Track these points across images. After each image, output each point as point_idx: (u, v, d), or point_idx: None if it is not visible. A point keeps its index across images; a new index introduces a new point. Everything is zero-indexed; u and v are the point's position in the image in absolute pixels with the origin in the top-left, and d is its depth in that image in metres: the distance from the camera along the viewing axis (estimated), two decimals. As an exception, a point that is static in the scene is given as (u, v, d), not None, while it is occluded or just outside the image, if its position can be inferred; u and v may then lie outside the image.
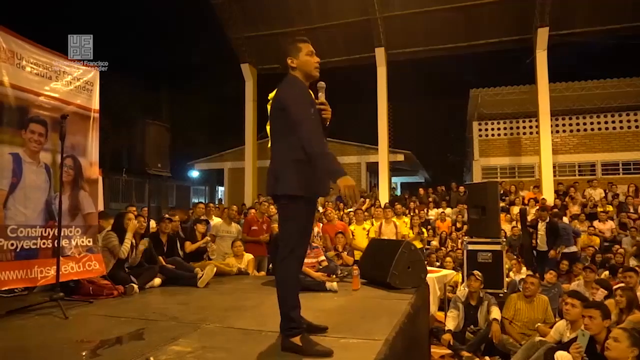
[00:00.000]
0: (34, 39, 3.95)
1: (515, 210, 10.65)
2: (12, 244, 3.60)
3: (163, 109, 22.93)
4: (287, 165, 2.40)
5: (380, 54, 14.20)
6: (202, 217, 6.88)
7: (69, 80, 4.28)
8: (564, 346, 3.55)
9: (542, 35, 12.71)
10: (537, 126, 13.89)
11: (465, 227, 10.00)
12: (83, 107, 4.41)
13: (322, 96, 2.54)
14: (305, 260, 4.68)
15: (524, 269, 7.51)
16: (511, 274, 7.21)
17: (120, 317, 3.35)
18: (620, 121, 15.20)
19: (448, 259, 7.36)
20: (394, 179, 20.83)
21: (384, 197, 13.70)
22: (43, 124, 3.93)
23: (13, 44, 3.74)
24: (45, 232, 3.88)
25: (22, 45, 3.83)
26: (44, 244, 3.86)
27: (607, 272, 6.94)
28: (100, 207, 5.61)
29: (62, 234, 3.83)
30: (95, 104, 4.56)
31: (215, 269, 5.02)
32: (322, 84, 2.58)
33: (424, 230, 9.00)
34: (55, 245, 3.82)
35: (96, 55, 4.71)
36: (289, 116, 2.35)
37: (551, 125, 13.30)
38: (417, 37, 14.09)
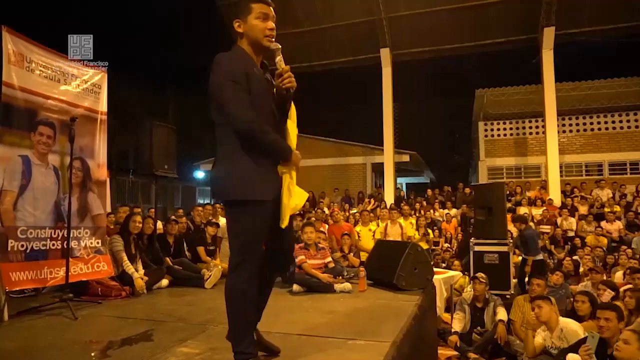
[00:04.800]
0: (39, 39, 3.98)
1: (522, 211, 10.60)
2: (22, 245, 3.64)
3: (169, 110, 23.03)
4: (218, 166, 2.14)
5: (385, 54, 14.20)
6: (213, 220, 6.88)
7: (77, 83, 4.33)
8: (574, 348, 3.53)
9: (548, 35, 12.65)
10: (543, 126, 13.82)
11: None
12: (91, 109, 4.45)
13: (280, 61, 2.10)
14: (312, 262, 4.74)
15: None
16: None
17: (129, 318, 3.38)
18: (628, 121, 15.07)
19: (456, 262, 7.31)
20: (399, 180, 20.79)
21: (389, 198, 13.68)
22: (51, 126, 3.97)
23: (22, 47, 3.78)
24: (54, 234, 3.92)
25: (32, 48, 3.87)
26: (53, 245, 3.90)
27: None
28: (108, 209, 5.66)
29: (71, 235, 3.88)
30: (103, 106, 4.61)
31: (222, 270, 5.04)
32: (276, 44, 2.11)
33: (429, 231, 8.98)
34: (65, 246, 3.87)
35: (103, 56, 4.71)
36: (217, 104, 2.03)
37: (558, 125, 13.22)
38: (422, 38, 14.05)
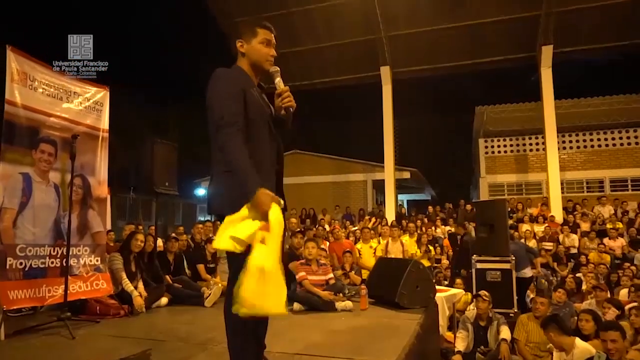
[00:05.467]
0: (39, 44, 4.01)
1: (524, 228, 10.55)
2: (21, 263, 3.61)
3: (170, 127, 23.16)
4: (216, 179, 2.12)
5: (385, 72, 14.34)
6: (213, 237, 6.86)
7: (80, 100, 4.35)
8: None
9: (547, 53, 12.79)
10: (543, 143, 13.85)
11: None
12: (92, 127, 4.46)
13: (279, 82, 2.18)
14: (314, 278, 4.70)
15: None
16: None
17: (128, 337, 3.33)
18: (628, 137, 15.13)
19: (458, 280, 7.23)
20: (400, 197, 20.79)
21: (390, 215, 13.64)
22: (53, 144, 3.98)
23: (26, 66, 3.81)
24: (53, 251, 3.89)
25: (35, 67, 3.91)
26: (52, 263, 3.86)
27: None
28: (108, 226, 5.63)
29: (70, 253, 3.84)
30: (105, 123, 4.62)
31: (222, 288, 4.99)
32: (275, 68, 2.19)
33: (431, 248, 8.92)
34: (64, 264, 3.83)
35: (104, 72, 4.73)
36: (211, 117, 2.03)
37: (558, 142, 13.26)
38: (422, 56, 14.21)
